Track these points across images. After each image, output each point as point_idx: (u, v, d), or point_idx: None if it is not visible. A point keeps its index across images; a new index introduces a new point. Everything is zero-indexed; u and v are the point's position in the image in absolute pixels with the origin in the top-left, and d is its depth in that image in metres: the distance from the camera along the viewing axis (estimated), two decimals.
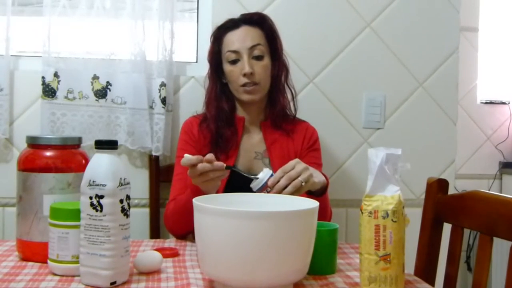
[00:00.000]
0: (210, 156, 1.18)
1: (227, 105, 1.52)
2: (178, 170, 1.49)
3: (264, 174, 1.22)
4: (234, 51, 1.47)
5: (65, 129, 1.73)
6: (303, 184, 1.19)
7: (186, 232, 1.43)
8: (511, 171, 2.84)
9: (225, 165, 1.20)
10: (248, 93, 1.47)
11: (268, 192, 1.21)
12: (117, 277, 0.97)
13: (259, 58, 1.48)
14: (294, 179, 1.19)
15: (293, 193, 1.19)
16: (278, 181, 1.19)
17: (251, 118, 1.54)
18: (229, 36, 1.50)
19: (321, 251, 1.06)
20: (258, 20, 1.52)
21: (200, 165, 1.17)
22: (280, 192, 1.19)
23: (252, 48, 1.47)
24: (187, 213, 1.31)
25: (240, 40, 1.47)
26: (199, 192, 1.24)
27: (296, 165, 1.21)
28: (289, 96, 1.59)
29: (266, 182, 1.21)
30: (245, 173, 1.28)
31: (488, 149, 2.92)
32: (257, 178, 1.22)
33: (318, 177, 1.27)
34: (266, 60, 1.50)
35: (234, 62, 1.48)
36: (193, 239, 1.29)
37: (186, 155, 1.19)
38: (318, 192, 1.30)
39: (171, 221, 1.43)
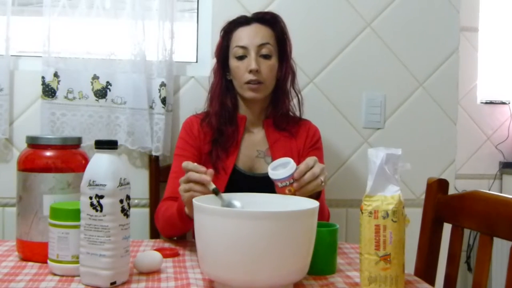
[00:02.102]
0: (209, 171, 1.14)
1: (231, 102, 1.51)
2: (174, 168, 1.49)
3: (290, 166, 1.17)
4: (242, 47, 1.46)
5: (65, 129, 1.73)
6: (322, 184, 1.19)
7: (177, 235, 1.44)
8: (511, 171, 2.84)
9: (213, 185, 1.12)
10: (252, 90, 1.46)
11: (288, 185, 1.16)
12: (117, 277, 0.97)
13: (266, 57, 1.47)
14: (316, 177, 1.18)
15: (308, 192, 1.17)
16: (303, 175, 1.17)
17: (253, 117, 1.54)
18: (239, 31, 1.49)
19: (321, 251, 1.06)
20: (270, 20, 1.51)
21: (190, 173, 1.13)
22: (302, 187, 1.16)
23: (261, 46, 1.46)
24: (172, 225, 1.34)
25: (249, 36, 1.47)
26: (183, 212, 1.23)
27: (317, 163, 1.20)
28: (295, 101, 1.58)
29: (291, 175, 1.16)
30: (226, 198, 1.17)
31: (488, 149, 2.92)
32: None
33: None
34: (273, 61, 1.49)
35: (241, 58, 1.47)
36: (193, 239, 1.29)
37: (186, 162, 1.16)
38: (314, 195, 1.29)
39: (159, 224, 1.43)
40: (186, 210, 1.22)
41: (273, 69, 1.49)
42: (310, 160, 1.20)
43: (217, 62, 1.54)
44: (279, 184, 1.18)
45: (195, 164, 1.16)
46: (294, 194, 1.17)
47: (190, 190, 1.14)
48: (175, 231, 1.38)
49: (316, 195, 1.30)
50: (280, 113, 1.53)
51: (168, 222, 1.35)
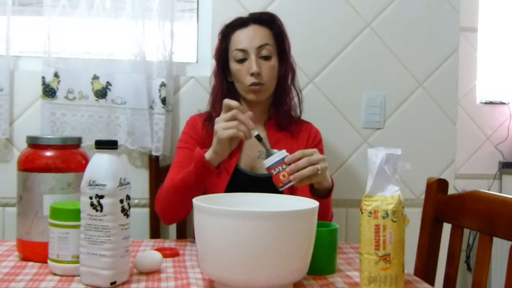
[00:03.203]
0: (249, 113, 1.23)
1: None
2: (177, 158, 1.49)
3: (280, 152, 1.19)
4: (242, 50, 1.46)
5: (65, 129, 1.73)
6: (319, 172, 1.19)
7: (175, 215, 1.43)
8: (510, 171, 2.84)
9: (255, 131, 1.22)
10: (254, 93, 1.47)
11: (282, 170, 1.17)
12: (117, 277, 0.97)
13: (266, 58, 1.47)
14: (313, 164, 1.18)
15: (304, 179, 1.18)
16: (296, 161, 1.18)
17: (255, 117, 1.54)
18: (237, 34, 1.49)
19: (321, 251, 1.06)
20: (267, 20, 1.51)
21: (236, 111, 1.21)
22: (296, 171, 1.16)
23: (260, 47, 1.46)
24: (183, 188, 1.31)
25: (248, 39, 1.47)
26: (202, 166, 1.24)
27: (315, 153, 1.20)
28: (295, 98, 1.58)
29: (282, 159, 1.17)
30: (267, 148, 1.24)
31: (488, 149, 2.92)
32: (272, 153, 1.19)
33: (328, 175, 1.28)
34: (274, 61, 1.49)
35: (241, 61, 1.47)
36: (193, 239, 1.29)
37: (228, 99, 1.25)
38: (323, 193, 1.30)
39: (162, 200, 1.39)
40: (211, 151, 1.26)
41: (273, 69, 1.49)
42: (308, 150, 1.21)
43: (217, 65, 1.54)
44: (273, 172, 1.18)
45: (238, 103, 1.23)
46: (289, 180, 1.17)
47: (235, 127, 1.21)
48: (181, 200, 1.34)
49: (326, 194, 1.30)
50: (282, 112, 1.53)
51: (178, 185, 1.32)
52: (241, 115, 1.21)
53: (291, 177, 1.17)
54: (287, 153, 1.20)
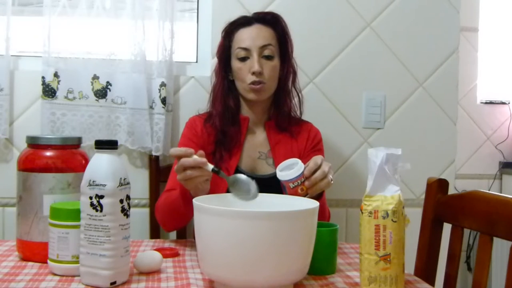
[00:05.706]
0: (199, 152, 1.12)
1: (233, 103, 1.51)
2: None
3: (299, 166, 1.17)
4: (245, 49, 1.46)
5: (65, 129, 1.73)
6: (331, 182, 1.20)
7: (174, 227, 1.44)
8: (511, 171, 2.84)
9: (210, 166, 1.12)
10: (255, 92, 1.47)
11: (300, 184, 1.17)
12: (117, 277, 0.97)
13: (269, 58, 1.47)
14: (326, 175, 1.19)
15: (319, 190, 1.18)
16: (313, 173, 1.18)
17: (256, 118, 1.54)
18: (240, 32, 1.49)
19: (321, 251, 1.06)
20: (271, 20, 1.51)
21: (182, 159, 1.11)
22: (314, 185, 1.17)
23: (263, 47, 1.46)
24: (174, 211, 1.31)
25: (251, 38, 1.46)
26: (186, 194, 1.21)
27: (324, 162, 1.21)
28: (296, 100, 1.58)
29: (301, 174, 1.17)
30: (248, 174, 1.20)
31: (488, 149, 2.92)
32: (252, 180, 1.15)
33: None
34: (276, 61, 1.49)
35: (243, 59, 1.47)
36: (193, 239, 1.29)
37: (178, 147, 1.14)
38: (315, 195, 1.29)
39: (160, 214, 1.41)
40: (192, 193, 1.19)
41: (275, 69, 1.49)
42: (318, 158, 1.21)
43: (218, 63, 1.54)
44: (291, 185, 1.18)
45: (182, 148, 1.13)
46: (306, 193, 1.18)
47: (189, 178, 1.12)
48: (177, 219, 1.35)
49: (318, 195, 1.30)
50: (283, 113, 1.53)
51: (171, 208, 1.32)
52: (188, 161, 1.11)
53: (310, 190, 1.18)
54: (303, 164, 1.19)
